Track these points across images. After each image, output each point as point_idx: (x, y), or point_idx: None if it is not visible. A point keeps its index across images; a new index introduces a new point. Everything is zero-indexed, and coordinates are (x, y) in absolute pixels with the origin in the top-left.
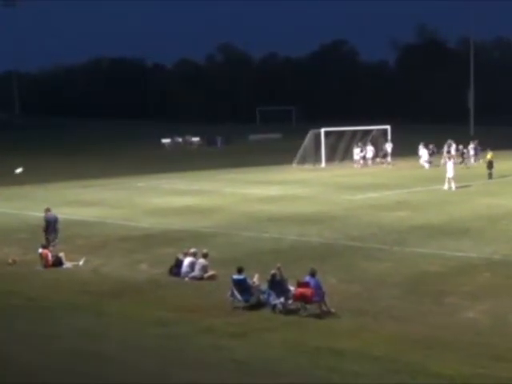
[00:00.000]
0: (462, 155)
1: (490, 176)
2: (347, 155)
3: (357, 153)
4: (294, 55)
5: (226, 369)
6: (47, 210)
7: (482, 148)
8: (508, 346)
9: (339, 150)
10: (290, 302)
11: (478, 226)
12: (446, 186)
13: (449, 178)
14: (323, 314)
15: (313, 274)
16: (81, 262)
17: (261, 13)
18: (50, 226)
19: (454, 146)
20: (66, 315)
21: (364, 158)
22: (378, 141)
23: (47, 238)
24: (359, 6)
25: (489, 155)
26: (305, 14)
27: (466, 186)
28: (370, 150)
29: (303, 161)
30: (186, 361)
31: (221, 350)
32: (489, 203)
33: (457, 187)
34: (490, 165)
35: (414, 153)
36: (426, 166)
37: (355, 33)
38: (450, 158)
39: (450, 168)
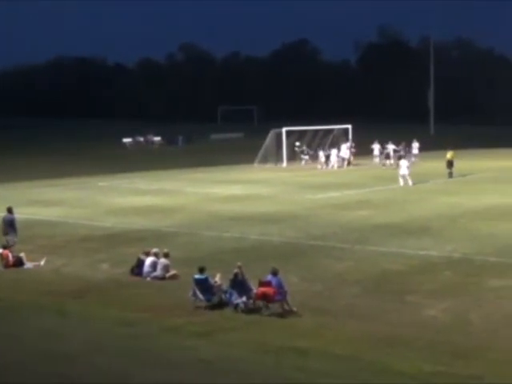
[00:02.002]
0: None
1: (450, 175)
2: (309, 154)
3: (322, 155)
4: (256, 55)
5: (191, 368)
6: (8, 209)
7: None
8: (468, 344)
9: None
10: (252, 301)
11: (438, 225)
12: (401, 183)
13: (401, 175)
14: (285, 313)
15: (274, 273)
16: (42, 262)
17: (223, 12)
18: (5, 227)
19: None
20: (28, 315)
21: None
22: (339, 140)
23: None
24: (322, 5)
25: (448, 154)
26: (267, 13)
27: (426, 185)
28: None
29: (265, 160)
30: (150, 360)
31: (185, 350)
32: (448, 202)
33: (414, 183)
34: (449, 164)
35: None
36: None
37: (317, 32)
38: (401, 157)
39: (402, 166)
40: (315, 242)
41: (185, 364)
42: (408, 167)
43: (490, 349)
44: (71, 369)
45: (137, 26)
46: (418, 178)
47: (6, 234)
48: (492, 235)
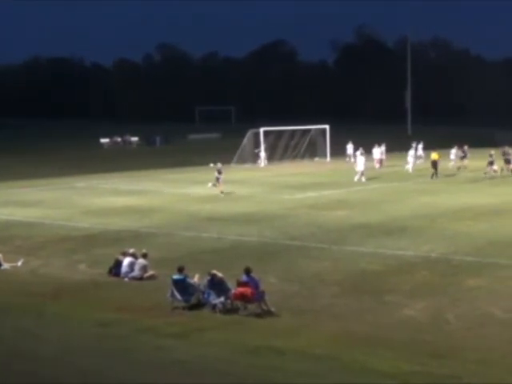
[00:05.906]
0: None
1: (434, 175)
2: (286, 155)
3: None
4: (233, 55)
5: (168, 369)
6: None
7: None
8: (446, 343)
9: (278, 150)
10: (230, 301)
11: (416, 225)
12: (356, 178)
13: (359, 171)
14: (263, 314)
15: (248, 272)
16: (19, 263)
17: (200, 13)
18: None
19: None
20: (5, 316)
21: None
22: (316, 140)
23: None
24: (299, 6)
25: (433, 155)
26: (245, 14)
27: (405, 185)
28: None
29: (242, 160)
30: (127, 361)
31: (162, 350)
32: (426, 202)
33: (359, 180)
34: (434, 164)
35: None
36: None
37: (295, 33)
38: (361, 154)
39: (360, 163)
40: (293, 242)
41: (161, 364)
42: (364, 164)
43: (466, 348)
44: (47, 369)
45: (114, 27)
46: (399, 178)
47: None
48: (469, 235)
